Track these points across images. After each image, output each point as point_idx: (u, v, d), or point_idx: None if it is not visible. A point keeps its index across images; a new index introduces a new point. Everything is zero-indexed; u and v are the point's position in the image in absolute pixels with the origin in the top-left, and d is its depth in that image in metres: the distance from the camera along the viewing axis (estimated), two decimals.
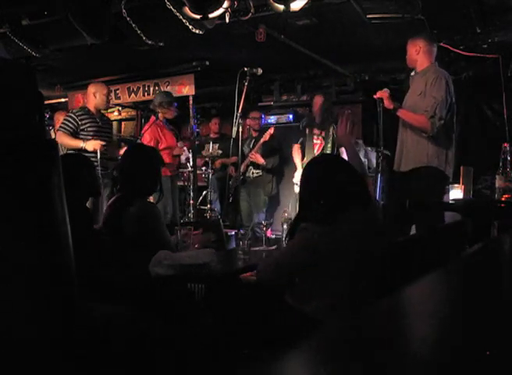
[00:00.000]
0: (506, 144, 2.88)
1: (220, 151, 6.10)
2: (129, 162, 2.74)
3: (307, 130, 5.20)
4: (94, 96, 4.56)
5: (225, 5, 3.74)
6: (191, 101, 5.99)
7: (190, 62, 5.78)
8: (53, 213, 1.28)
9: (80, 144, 4.33)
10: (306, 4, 3.65)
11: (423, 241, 2.21)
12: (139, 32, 4.21)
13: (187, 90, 6.06)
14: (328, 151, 4.94)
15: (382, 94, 3.46)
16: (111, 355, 1.67)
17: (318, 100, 5.11)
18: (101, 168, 4.36)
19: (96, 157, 4.32)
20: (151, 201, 3.06)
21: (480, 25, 4.09)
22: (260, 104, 6.78)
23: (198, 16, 3.80)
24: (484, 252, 1.21)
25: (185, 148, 5.37)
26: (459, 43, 4.63)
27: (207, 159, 5.87)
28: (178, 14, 3.87)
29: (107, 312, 1.88)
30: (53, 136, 5.53)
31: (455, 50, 4.65)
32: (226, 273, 2.54)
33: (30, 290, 1.23)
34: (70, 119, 4.46)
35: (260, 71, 4.05)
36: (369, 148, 5.78)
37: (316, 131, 5.13)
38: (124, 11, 4.03)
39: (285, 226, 2.99)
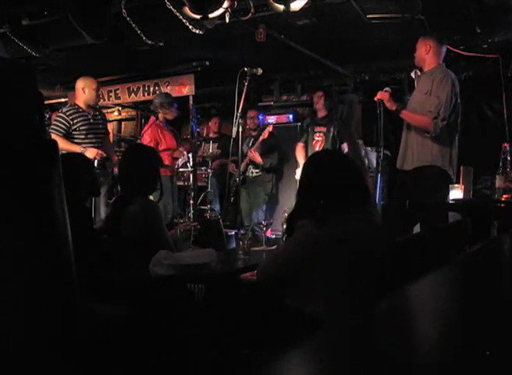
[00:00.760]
0: (506, 144, 2.88)
1: (219, 151, 6.10)
2: (128, 162, 2.75)
3: (309, 129, 5.20)
4: (82, 91, 4.41)
5: (225, 5, 3.74)
6: (191, 101, 6.00)
7: (190, 62, 5.78)
8: (53, 213, 1.28)
9: (78, 149, 4.18)
10: (306, 4, 3.65)
11: (423, 241, 2.21)
12: (139, 32, 4.21)
13: (187, 90, 6.06)
14: (330, 147, 4.94)
15: (383, 95, 3.46)
16: (111, 355, 1.67)
17: (320, 94, 5.12)
18: (98, 167, 4.33)
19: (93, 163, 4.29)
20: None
21: (480, 25, 4.09)
22: (260, 104, 6.77)
23: (198, 16, 3.80)
24: (484, 252, 1.21)
25: (184, 153, 5.35)
26: (459, 43, 4.63)
27: (207, 159, 5.87)
28: (178, 14, 3.87)
29: (107, 312, 1.88)
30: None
31: (455, 50, 4.65)
32: (226, 273, 2.54)
33: (30, 290, 1.23)
34: (61, 120, 4.29)
35: (260, 71, 4.05)
36: (369, 148, 5.78)
37: (318, 128, 5.13)
38: (124, 11, 4.03)
39: (285, 226, 2.99)
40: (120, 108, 8.13)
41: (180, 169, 5.52)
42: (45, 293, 1.25)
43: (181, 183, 5.67)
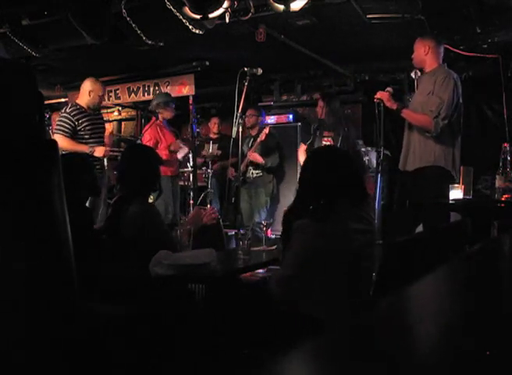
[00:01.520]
0: (506, 144, 2.88)
1: (219, 151, 6.10)
2: (128, 162, 2.75)
3: (318, 133, 5.18)
4: (88, 94, 4.39)
5: (225, 5, 3.74)
6: (191, 101, 6.00)
7: (190, 62, 5.78)
8: (53, 213, 1.28)
9: (87, 149, 4.17)
10: (306, 4, 3.65)
11: (423, 241, 2.21)
12: (139, 32, 4.21)
13: (187, 90, 6.06)
14: None
15: (383, 94, 3.45)
16: (111, 355, 1.67)
17: (321, 104, 5.11)
18: (99, 168, 4.37)
19: (101, 162, 4.31)
20: (151, 199, 3.06)
21: (480, 25, 4.09)
22: (260, 104, 6.77)
23: (198, 16, 3.80)
24: (484, 252, 1.21)
25: (181, 145, 5.31)
26: (459, 43, 4.63)
27: (207, 159, 5.87)
28: (178, 14, 3.87)
29: (107, 312, 1.88)
30: (52, 136, 5.54)
31: (455, 50, 4.65)
32: (226, 273, 2.54)
33: (30, 290, 1.23)
34: (66, 120, 4.25)
35: (260, 71, 4.05)
36: (369, 148, 5.78)
37: (326, 133, 5.11)
38: (124, 11, 4.03)
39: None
40: (120, 108, 8.13)
41: (180, 170, 5.52)
42: (45, 293, 1.25)
43: (181, 183, 5.68)
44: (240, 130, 4.02)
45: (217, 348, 2.08)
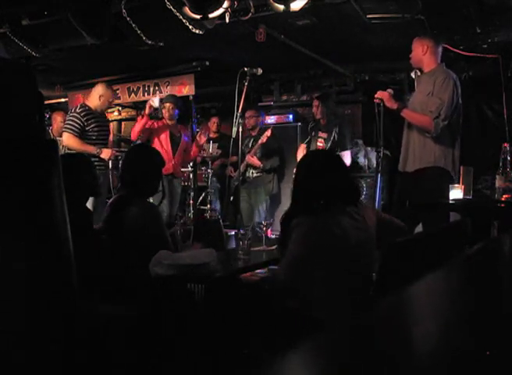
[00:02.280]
0: (506, 144, 2.88)
1: (219, 151, 6.10)
2: (132, 162, 2.74)
3: (313, 133, 5.20)
4: (98, 98, 4.51)
5: (225, 5, 3.74)
6: (191, 101, 6.00)
7: (190, 62, 5.77)
8: (53, 213, 1.28)
9: (94, 151, 4.28)
10: (306, 4, 3.65)
11: (423, 241, 2.21)
12: (139, 32, 4.21)
13: (187, 90, 6.06)
14: None
15: (383, 94, 3.45)
16: (111, 355, 1.67)
17: (316, 103, 5.12)
18: (104, 167, 4.41)
19: (106, 163, 4.37)
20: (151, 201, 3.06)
21: (480, 25, 4.09)
22: (260, 104, 6.77)
23: (198, 16, 3.79)
24: (484, 252, 1.21)
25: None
26: (459, 43, 4.63)
27: (207, 159, 5.87)
28: (178, 14, 3.86)
29: (107, 312, 1.88)
30: (51, 136, 5.55)
31: (455, 50, 4.65)
32: (226, 273, 2.54)
33: (29, 290, 1.23)
34: (75, 120, 4.35)
35: (260, 71, 4.05)
36: (369, 148, 5.78)
37: (322, 134, 5.12)
38: (124, 11, 4.02)
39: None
40: (120, 108, 8.13)
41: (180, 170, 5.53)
42: (45, 293, 1.25)
43: (181, 183, 5.68)
44: (240, 130, 4.02)
45: (217, 348, 2.08)
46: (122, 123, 8.55)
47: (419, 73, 3.70)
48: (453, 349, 0.53)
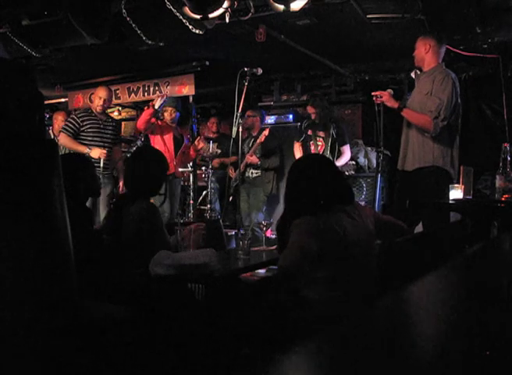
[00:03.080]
0: (506, 144, 2.87)
1: (219, 151, 6.10)
2: (136, 164, 2.74)
3: (310, 131, 5.19)
4: (93, 99, 4.79)
5: (225, 5, 3.74)
6: (191, 101, 6.00)
7: (190, 62, 5.78)
8: (53, 213, 1.28)
9: (84, 150, 4.44)
10: (306, 4, 3.65)
11: (423, 241, 2.22)
12: (139, 32, 4.21)
13: (187, 90, 6.06)
14: (329, 152, 4.95)
15: (383, 93, 3.45)
16: (111, 355, 1.67)
17: (311, 110, 5.12)
18: (103, 169, 4.43)
19: (99, 163, 4.42)
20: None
21: (480, 25, 4.09)
22: (260, 104, 6.77)
23: (198, 16, 3.80)
24: (484, 252, 1.21)
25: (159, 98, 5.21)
26: (459, 43, 4.62)
27: (206, 159, 5.87)
28: (178, 14, 3.86)
29: (107, 312, 1.88)
30: (52, 136, 5.56)
31: (455, 50, 4.65)
32: (226, 273, 2.53)
33: (30, 290, 1.23)
34: (72, 121, 4.59)
35: (260, 71, 4.05)
36: (369, 148, 5.78)
37: (320, 133, 5.13)
38: (124, 11, 4.03)
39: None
40: (120, 108, 8.13)
41: (180, 169, 5.53)
42: (45, 293, 1.25)
43: (181, 183, 5.68)
44: (240, 130, 4.02)
45: (217, 348, 2.08)
46: (122, 123, 8.55)
47: (419, 73, 3.70)
48: (452, 349, 0.53)
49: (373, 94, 3.50)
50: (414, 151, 3.49)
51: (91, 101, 4.96)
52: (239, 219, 4.49)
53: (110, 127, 4.75)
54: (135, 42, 4.48)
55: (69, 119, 4.65)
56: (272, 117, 6.46)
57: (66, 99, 7.09)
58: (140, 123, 5.06)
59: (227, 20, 3.89)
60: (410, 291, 0.79)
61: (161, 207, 2.84)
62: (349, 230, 2.00)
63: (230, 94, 4.12)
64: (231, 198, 5.26)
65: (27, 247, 1.23)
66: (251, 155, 5.44)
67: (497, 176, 2.87)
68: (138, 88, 6.49)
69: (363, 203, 5.54)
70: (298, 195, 2.15)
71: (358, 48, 5.19)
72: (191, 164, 5.77)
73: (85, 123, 4.57)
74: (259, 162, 5.46)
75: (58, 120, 5.70)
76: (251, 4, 3.84)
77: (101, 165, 4.46)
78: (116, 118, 8.27)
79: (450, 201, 3.13)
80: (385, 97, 3.44)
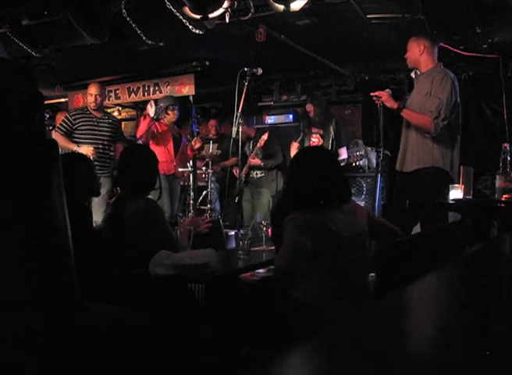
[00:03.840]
0: (506, 144, 2.87)
1: (219, 151, 6.10)
2: (127, 162, 2.75)
3: (306, 129, 5.20)
4: (87, 98, 4.77)
5: (225, 5, 3.74)
6: (191, 101, 6.00)
7: (190, 62, 5.78)
8: (53, 213, 1.28)
9: (73, 147, 4.49)
10: (306, 4, 3.65)
11: (423, 241, 2.21)
12: (139, 32, 4.21)
13: (187, 90, 6.06)
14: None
15: (382, 93, 3.45)
16: (111, 355, 1.67)
17: (310, 108, 5.13)
18: (99, 168, 4.40)
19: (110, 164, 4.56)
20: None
21: (480, 25, 4.08)
22: (260, 104, 6.78)
23: (198, 16, 3.79)
24: (484, 252, 1.21)
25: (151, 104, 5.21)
26: (459, 43, 4.62)
27: (206, 159, 5.87)
28: (178, 14, 3.86)
29: (107, 311, 1.88)
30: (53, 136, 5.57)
31: (455, 50, 4.64)
32: (226, 273, 2.54)
33: (30, 289, 1.23)
34: (65, 120, 4.66)
35: (260, 71, 4.05)
36: (369, 148, 5.78)
37: (315, 129, 5.14)
38: (124, 11, 4.03)
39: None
40: (120, 108, 8.13)
41: (180, 170, 5.52)
42: (45, 293, 1.25)
43: (181, 183, 5.67)
44: (240, 130, 4.03)
45: (217, 348, 2.08)
46: (122, 123, 8.54)
47: (418, 73, 3.69)
48: (452, 349, 0.53)
49: (372, 94, 3.50)
50: (414, 152, 3.49)
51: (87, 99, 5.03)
52: (239, 219, 4.49)
53: (106, 125, 4.73)
54: (135, 42, 4.48)
55: (63, 119, 4.72)
56: (272, 117, 6.46)
57: (66, 99, 7.08)
58: (140, 133, 5.03)
59: (227, 20, 3.89)
60: (410, 291, 0.79)
61: (158, 202, 2.84)
62: (342, 226, 2.00)
63: (230, 94, 4.12)
64: (237, 199, 5.26)
65: (27, 247, 1.23)
66: (253, 158, 5.45)
67: (497, 176, 2.87)
68: (138, 88, 6.49)
69: (363, 203, 5.54)
70: (296, 188, 2.15)
71: (358, 48, 5.19)
72: (191, 164, 5.76)
73: (78, 121, 4.61)
74: (262, 164, 5.47)
75: (60, 120, 5.71)
76: (251, 4, 3.84)
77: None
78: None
79: (450, 201, 3.13)
80: (384, 97, 3.44)
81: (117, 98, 6.70)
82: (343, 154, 5.10)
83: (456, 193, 3.14)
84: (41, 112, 1.50)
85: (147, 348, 1.90)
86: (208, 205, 5.58)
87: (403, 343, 0.57)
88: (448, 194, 3.27)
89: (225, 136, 6.36)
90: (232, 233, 4.33)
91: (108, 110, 8.01)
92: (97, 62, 5.67)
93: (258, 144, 5.33)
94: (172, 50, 4.98)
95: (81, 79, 6.48)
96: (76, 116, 4.65)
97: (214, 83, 6.43)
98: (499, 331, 0.59)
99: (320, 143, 5.08)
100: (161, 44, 4.49)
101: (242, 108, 4.01)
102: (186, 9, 3.82)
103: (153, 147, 5.02)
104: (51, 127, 5.90)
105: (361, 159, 4.91)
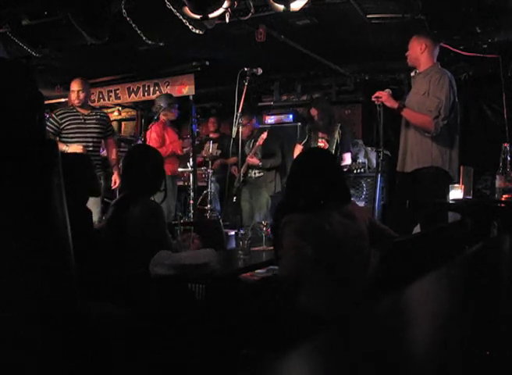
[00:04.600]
0: (506, 144, 2.87)
1: (219, 151, 6.10)
2: (133, 163, 2.74)
3: (312, 133, 5.20)
4: (70, 95, 4.60)
5: (225, 5, 3.74)
6: (191, 101, 6.00)
7: (190, 62, 5.78)
8: (53, 213, 1.28)
9: (62, 147, 4.34)
10: (306, 4, 3.65)
11: (423, 241, 2.21)
12: (139, 32, 4.21)
13: (187, 90, 6.06)
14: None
15: (382, 93, 3.45)
16: (111, 355, 1.67)
17: (314, 112, 5.13)
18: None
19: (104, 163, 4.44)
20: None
21: (480, 25, 4.09)
22: (260, 104, 6.78)
23: (198, 16, 3.80)
24: (484, 252, 1.21)
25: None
26: (459, 43, 4.63)
27: (206, 159, 5.87)
28: (178, 14, 3.86)
29: (107, 312, 1.88)
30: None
31: (455, 50, 4.65)
32: (226, 273, 2.54)
33: (29, 290, 1.23)
34: (51, 120, 4.51)
35: (260, 71, 4.06)
36: (369, 148, 5.78)
37: (321, 134, 5.13)
38: (124, 11, 4.03)
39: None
40: (120, 108, 8.13)
41: (180, 169, 5.53)
42: (45, 293, 1.25)
43: (181, 183, 5.67)
44: (240, 130, 4.03)
45: (217, 348, 2.08)
46: (122, 123, 8.56)
47: (417, 73, 3.70)
48: (452, 349, 0.53)
49: (373, 98, 3.49)
50: (413, 152, 3.49)
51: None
52: (239, 219, 4.50)
53: (94, 121, 4.57)
54: (135, 42, 4.48)
55: (49, 119, 4.53)
56: (272, 117, 6.45)
57: (66, 99, 7.07)
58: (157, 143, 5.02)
59: (227, 20, 3.90)
60: (410, 291, 0.79)
61: (162, 204, 2.84)
62: (339, 227, 2.00)
63: (230, 94, 4.12)
64: (235, 199, 5.25)
65: (27, 247, 1.23)
66: (252, 157, 5.44)
67: (497, 176, 2.87)
68: (138, 88, 6.49)
69: (363, 203, 5.54)
70: (297, 188, 2.16)
71: (358, 48, 5.20)
72: (191, 164, 5.76)
73: (64, 120, 4.46)
74: (260, 164, 5.46)
75: None
76: (251, 4, 3.84)
77: None
78: (116, 118, 8.28)
79: (450, 201, 3.13)
80: (384, 97, 3.44)
81: (117, 98, 6.70)
82: (347, 159, 5.10)
83: (456, 193, 3.14)
84: (41, 112, 1.50)
85: (148, 348, 1.90)
86: (208, 205, 5.58)
87: (403, 343, 0.57)
88: (448, 193, 3.27)
89: (225, 136, 6.36)
90: (232, 233, 4.33)
91: (108, 110, 8.03)
92: (97, 62, 5.67)
93: (257, 143, 5.33)
94: (172, 50, 4.98)
95: None
96: (62, 115, 4.48)
97: (214, 83, 6.44)
98: (499, 331, 0.59)
99: (326, 147, 5.08)
100: (161, 44, 4.50)
101: (242, 108, 4.01)
102: (186, 9, 3.82)
103: (162, 150, 5.01)
104: None
105: (363, 167, 4.90)
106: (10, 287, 1.21)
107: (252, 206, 5.59)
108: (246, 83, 3.99)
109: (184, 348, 2.05)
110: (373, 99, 3.49)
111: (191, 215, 5.48)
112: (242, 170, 5.04)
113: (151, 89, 6.37)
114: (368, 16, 4.06)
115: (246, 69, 4.00)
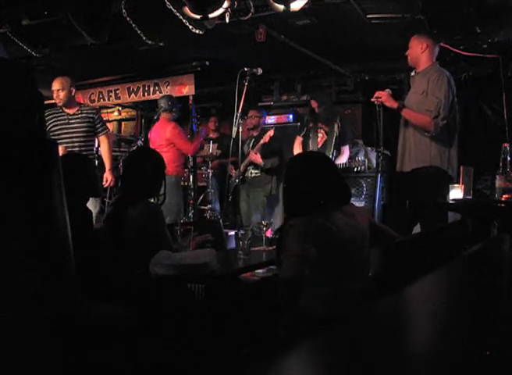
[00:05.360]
0: (506, 144, 2.87)
1: (219, 151, 6.10)
2: (135, 165, 2.74)
3: (312, 124, 5.18)
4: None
5: (225, 5, 3.74)
6: (191, 101, 6.01)
7: (190, 62, 5.78)
8: (53, 213, 1.28)
9: None
10: (306, 4, 3.65)
11: (423, 241, 2.21)
12: (139, 32, 4.21)
13: (187, 90, 6.07)
14: (331, 147, 4.94)
15: (382, 94, 3.45)
16: (111, 355, 1.67)
17: (314, 104, 5.13)
18: None
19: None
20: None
21: (480, 25, 4.09)
22: (260, 104, 6.77)
23: (198, 16, 3.80)
24: (484, 252, 1.21)
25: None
26: (459, 43, 4.62)
27: (206, 159, 5.87)
28: (178, 14, 3.87)
29: (107, 312, 1.88)
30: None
31: (455, 50, 4.65)
32: (226, 273, 2.54)
33: (30, 290, 1.23)
34: None
35: (260, 71, 4.06)
36: (369, 148, 5.78)
37: (321, 125, 5.12)
38: (124, 11, 4.03)
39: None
40: (120, 108, 8.13)
41: None
42: (45, 293, 1.25)
43: (181, 183, 5.68)
44: (240, 130, 4.03)
45: (217, 348, 2.08)
46: (122, 123, 8.56)
47: (416, 72, 3.70)
48: (452, 349, 0.53)
49: (373, 99, 3.49)
50: (411, 151, 3.49)
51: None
52: (238, 219, 4.49)
53: (78, 120, 4.30)
54: (135, 42, 4.48)
55: None
56: (272, 117, 6.45)
57: None
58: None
59: (227, 20, 3.89)
60: (410, 291, 0.79)
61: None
62: (343, 228, 2.00)
63: (230, 94, 4.12)
64: (230, 198, 5.25)
65: (27, 247, 1.23)
66: (256, 153, 5.42)
67: (497, 176, 2.87)
68: (138, 88, 6.49)
69: (363, 203, 5.54)
70: (295, 193, 2.15)
71: (358, 48, 5.19)
72: (191, 164, 5.77)
73: (49, 122, 4.25)
74: (262, 163, 5.45)
75: None
76: (251, 4, 3.84)
77: None
78: (116, 118, 8.28)
79: (450, 201, 3.13)
80: (384, 97, 3.44)
81: (117, 98, 6.70)
82: (345, 152, 5.07)
83: (456, 193, 3.14)
84: (41, 112, 1.50)
85: (148, 348, 1.90)
86: (208, 205, 5.58)
87: (403, 343, 0.57)
88: (447, 193, 3.27)
89: (225, 136, 6.36)
90: (232, 233, 4.33)
91: (108, 110, 8.03)
92: (97, 62, 5.67)
93: (262, 140, 5.30)
94: (172, 50, 4.98)
95: (81, 79, 6.48)
96: (48, 117, 4.26)
97: (214, 83, 6.44)
98: (499, 331, 0.59)
99: (324, 138, 5.06)
100: (161, 44, 4.49)
101: (242, 108, 4.01)
102: (186, 9, 3.82)
103: (173, 151, 5.01)
104: None
105: (363, 165, 4.88)
106: (10, 287, 1.21)
107: (249, 206, 5.58)
108: (246, 83, 3.99)
109: (184, 348, 2.05)
110: (373, 100, 3.49)
111: (191, 215, 5.48)
112: (241, 168, 5.03)
113: (151, 89, 6.37)
114: (368, 16, 4.06)
115: (246, 69, 4.00)
